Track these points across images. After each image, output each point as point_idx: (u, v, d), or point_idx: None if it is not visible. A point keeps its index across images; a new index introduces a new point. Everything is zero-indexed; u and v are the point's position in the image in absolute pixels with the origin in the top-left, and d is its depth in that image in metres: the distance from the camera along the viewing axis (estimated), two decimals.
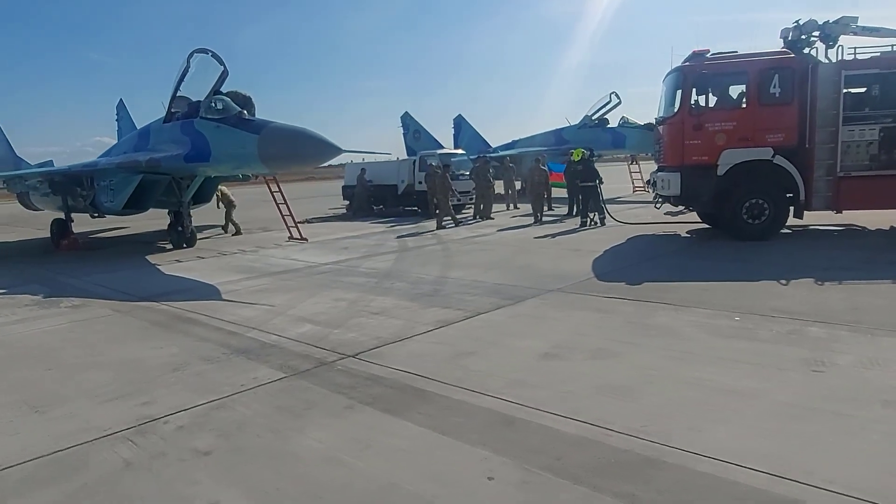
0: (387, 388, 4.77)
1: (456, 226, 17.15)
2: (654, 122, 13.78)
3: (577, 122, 28.39)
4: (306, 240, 15.22)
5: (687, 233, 13.24)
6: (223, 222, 17.98)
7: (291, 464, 3.65)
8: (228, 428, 4.20)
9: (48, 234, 16.65)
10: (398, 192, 22.84)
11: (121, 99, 22.74)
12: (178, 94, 13.85)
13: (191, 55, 13.27)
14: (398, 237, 15.27)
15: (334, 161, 14.26)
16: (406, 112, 33.94)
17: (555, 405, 4.24)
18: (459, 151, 25.17)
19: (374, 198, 23.30)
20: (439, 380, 4.87)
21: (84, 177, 15.45)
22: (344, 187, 24.87)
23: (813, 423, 3.79)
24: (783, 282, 7.85)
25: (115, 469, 3.70)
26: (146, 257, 13.53)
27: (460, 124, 35.34)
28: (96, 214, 15.89)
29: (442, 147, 32.26)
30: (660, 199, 13.10)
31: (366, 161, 24.47)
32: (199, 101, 13.16)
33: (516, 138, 31.54)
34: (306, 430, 4.11)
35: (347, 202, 24.43)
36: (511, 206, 21.91)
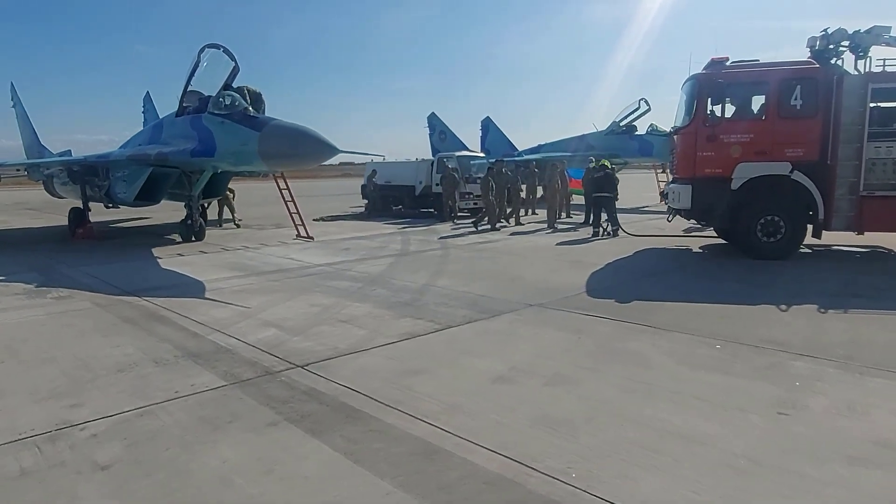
0: (320, 405, 4.52)
1: (494, 228, 16.84)
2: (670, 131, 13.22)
3: (604, 129, 27.74)
4: (312, 238, 15.13)
5: (700, 248, 12.67)
6: (231, 217, 18.26)
7: (183, 483, 3.44)
8: (141, 438, 4.02)
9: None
10: (416, 194, 22.65)
11: (147, 91, 23.15)
12: (189, 89, 13.95)
13: (202, 50, 13.33)
14: (403, 239, 15.05)
15: (333, 161, 14.09)
16: (433, 113, 33.83)
17: (486, 437, 3.94)
18: (479, 154, 24.84)
19: (391, 198, 23.15)
20: (378, 399, 4.60)
21: (100, 167, 15.70)
22: (363, 186, 24.79)
23: (758, 481, 3.39)
24: (783, 307, 7.34)
25: (8, 477, 3.55)
26: (152, 249, 13.62)
27: (487, 126, 35.04)
28: (111, 205, 16.12)
29: (467, 149, 32.09)
30: (673, 213, 12.58)
31: (385, 161, 24.36)
32: (210, 97, 13.22)
33: (542, 143, 31.02)
34: (217, 447, 3.89)
35: (366, 201, 24.34)
36: (531, 211, 21.49)
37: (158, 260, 12.17)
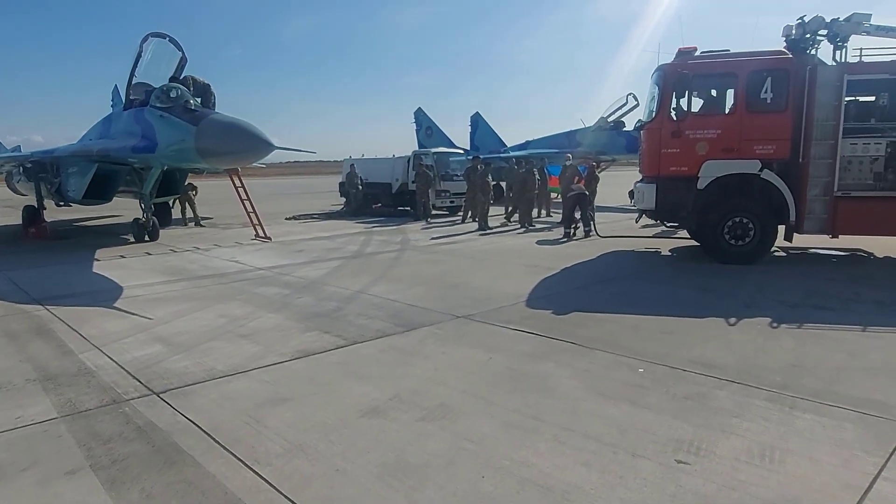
0: (145, 446, 3.86)
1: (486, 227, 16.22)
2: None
3: (591, 125, 26.94)
4: (269, 239, 14.48)
5: (669, 251, 11.94)
6: (191, 214, 17.71)
7: None
8: None
9: None
10: (392, 191, 21.99)
11: (115, 85, 22.42)
12: (137, 81, 13.29)
13: (144, 39, 12.70)
14: (365, 240, 14.37)
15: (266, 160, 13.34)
16: (419, 108, 33.15)
17: (313, 490, 3.27)
18: (458, 150, 24.14)
19: (370, 196, 22.45)
20: (217, 437, 3.94)
21: (48, 164, 15.08)
22: (340, 184, 24.11)
23: None
24: (732, 320, 6.63)
25: None
26: (98, 251, 12.99)
27: (477, 122, 34.27)
28: (62, 203, 15.51)
29: (454, 145, 31.39)
30: (640, 213, 11.88)
31: (363, 157, 23.67)
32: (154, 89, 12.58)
33: (530, 139, 30.25)
34: None
35: (345, 199, 23.60)
36: (511, 209, 20.76)
37: (96, 262, 11.53)
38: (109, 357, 5.67)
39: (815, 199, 9.71)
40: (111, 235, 15.97)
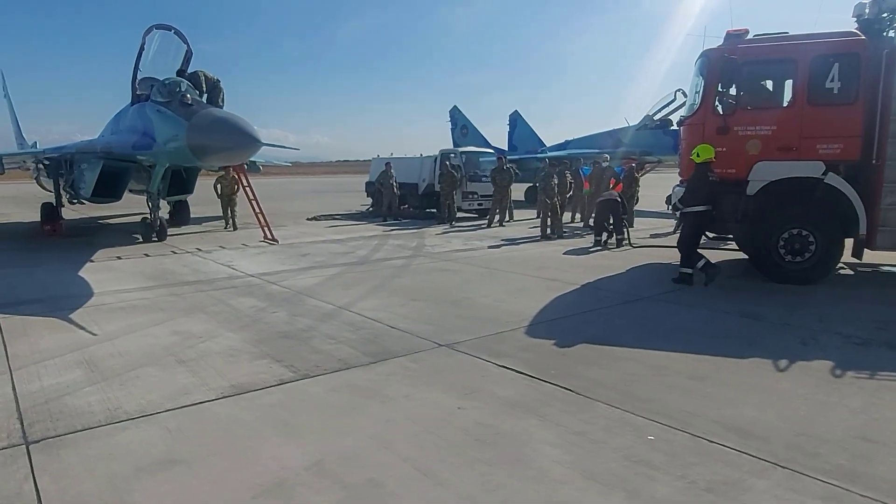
0: None
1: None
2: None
3: (635, 123, 25.25)
4: (276, 241, 13.65)
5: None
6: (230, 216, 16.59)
7: None
8: None
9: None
10: (419, 192, 20.94)
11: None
12: (142, 75, 12.68)
13: (148, 31, 12.04)
14: (378, 244, 13.37)
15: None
16: (455, 106, 32.14)
17: None
18: (488, 150, 22.90)
19: (398, 197, 21.40)
20: None
21: (63, 160, 14.71)
22: (367, 183, 23.19)
23: None
24: (783, 364, 5.27)
25: None
26: (99, 251, 12.41)
27: (516, 121, 33.03)
28: (74, 201, 15.13)
29: (489, 145, 30.20)
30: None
31: (392, 156, 22.65)
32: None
33: (569, 139, 28.73)
34: None
35: (371, 200, 22.58)
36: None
37: (89, 263, 10.90)
38: (14, 385, 4.80)
39: (891, 208, 8.12)
40: (124, 234, 15.48)
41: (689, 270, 8.62)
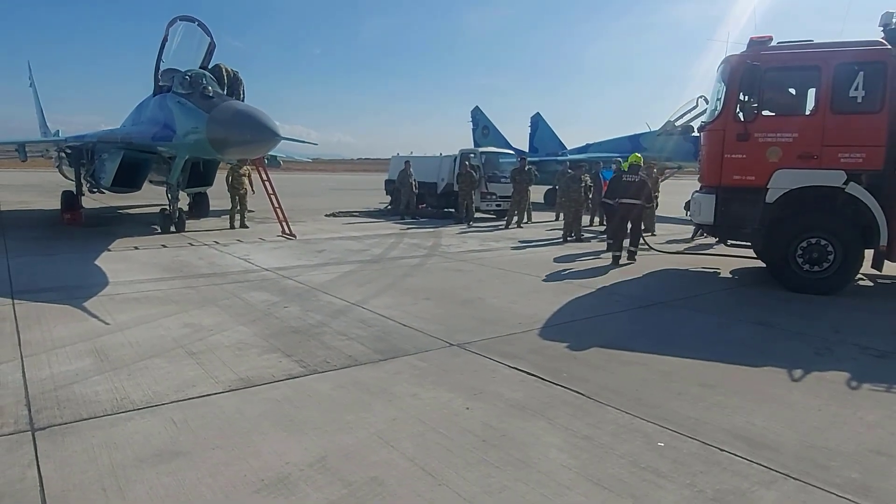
0: None
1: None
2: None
3: (657, 128, 24.99)
4: (294, 237, 13.72)
5: (731, 273, 10.32)
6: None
7: None
8: None
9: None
10: (437, 192, 20.93)
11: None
12: (165, 67, 12.80)
13: (171, 23, 12.14)
14: (394, 243, 13.39)
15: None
16: (476, 107, 32.06)
17: None
18: (508, 151, 22.82)
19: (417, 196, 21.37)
20: None
21: (85, 150, 14.92)
22: (387, 182, 23.26)
23: None
24: (797, 374, 5.17)
25: None
26: (117, 240, 12.57)
27: (537, 123, 32.90)
28: (94, 190, 15.33)
29: (510, 146, 30.14)
30: (697, 229, 10.32)
31: (412, 155, 22.65)
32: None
33: (590, 142, 28.56)
34: None
35: (391, 198, 22.59)
36: (560, 215, 19.35)
37: (106, 252, 11.03)
38: (24, 371, 4.86)
39: None
40: (143, 224, 15.65)
41: None
